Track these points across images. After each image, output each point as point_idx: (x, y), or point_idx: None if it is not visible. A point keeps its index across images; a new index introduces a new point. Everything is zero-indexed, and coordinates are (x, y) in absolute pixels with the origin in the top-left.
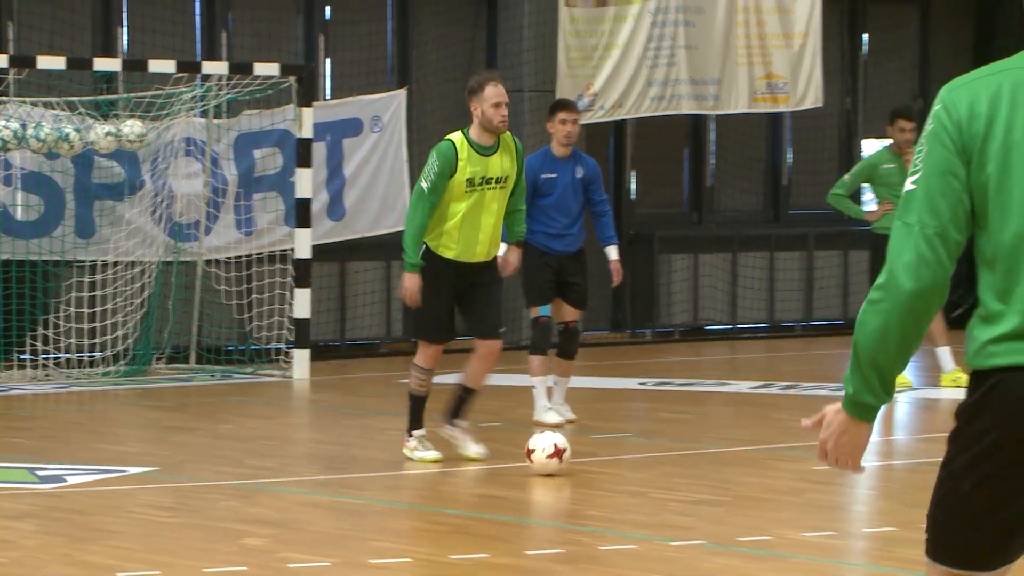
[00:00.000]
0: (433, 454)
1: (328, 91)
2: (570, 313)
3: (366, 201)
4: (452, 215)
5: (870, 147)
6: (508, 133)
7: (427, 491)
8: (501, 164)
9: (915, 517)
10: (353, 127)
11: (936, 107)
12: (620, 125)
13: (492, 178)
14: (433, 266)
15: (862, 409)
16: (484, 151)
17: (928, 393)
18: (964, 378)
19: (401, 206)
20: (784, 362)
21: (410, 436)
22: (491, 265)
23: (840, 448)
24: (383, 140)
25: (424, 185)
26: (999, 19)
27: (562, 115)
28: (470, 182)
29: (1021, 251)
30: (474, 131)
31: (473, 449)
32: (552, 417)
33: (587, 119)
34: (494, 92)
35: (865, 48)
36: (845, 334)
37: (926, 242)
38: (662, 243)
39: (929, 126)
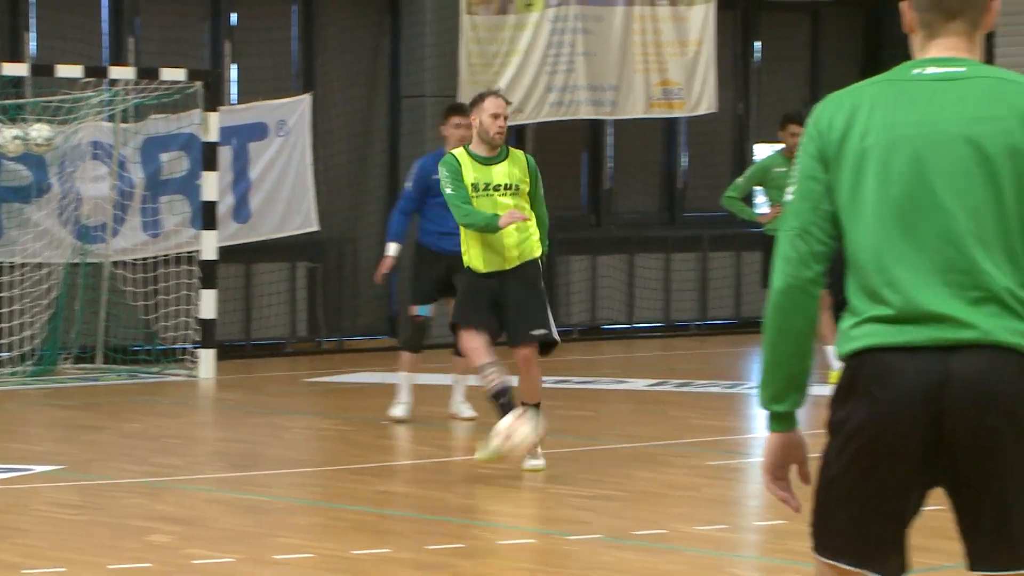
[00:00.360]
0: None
1: (234, 96)
2: None
3: (271, 204)
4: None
5: (762, 151)
6: (520, 151)
7: (331, 488)
8: (509, 172)
9: (803, 510)
10: (259, 131)
11: (809, 120)
12: (520, 130)
13: (499, 185)
14: (472, 279)
15: (767, 416)
16: (485, 161)
17: (815, 390)
18: None
19: (306, 208)
20: (679, 360)
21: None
22: (521, 271)
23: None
24: (288, 144)
25: (448, 191)
26: (886, 28)
27: (456, 119)
28: (475, 187)
29: (874, 251)
30: (473, 144)
31: (529, 463)
32: (401, 411)
33: None
34: (493, 104)
35: (757, 55)
36: (738, 333)
37: (789, 242)
38: (561, 245)
39: (802, 138)
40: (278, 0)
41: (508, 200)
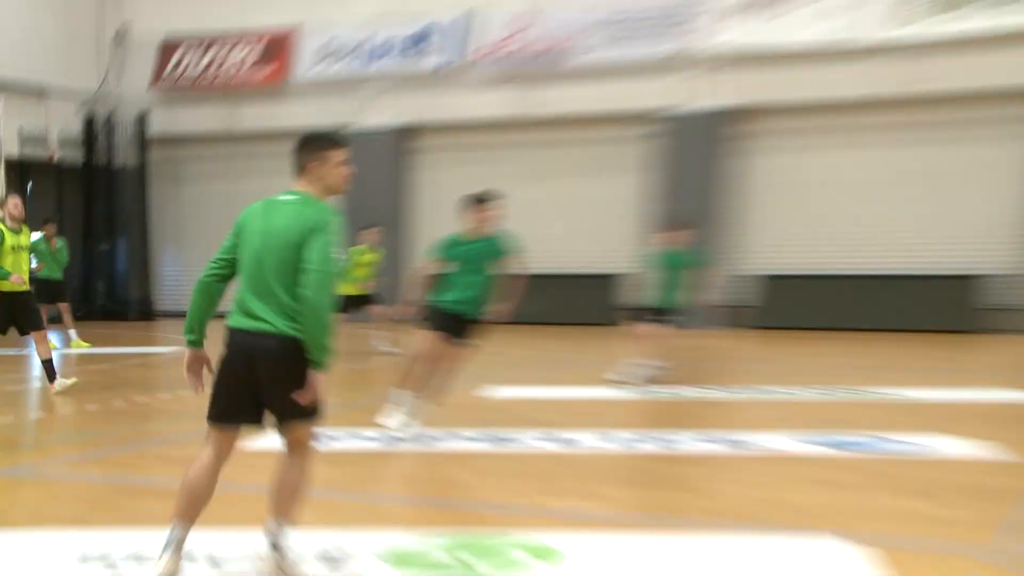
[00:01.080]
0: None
1: None
2: None
3: None
4: (9, 265)
5: None
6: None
7: None
8: (28, 237)
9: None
10: None
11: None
12: None
13: (24, 246)
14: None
15: (186, 340)
16: (16, 231)
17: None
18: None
19: None
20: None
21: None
22: (28, 295)
23: None
24: None
25: None
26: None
27: None
28: (15, 248)
29: (243, 282)
30: (8, 224)
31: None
32: None
33: None
34: (12, 200)
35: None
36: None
37: (210, 266)
38: None
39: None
40: None
41: (27, 254)
